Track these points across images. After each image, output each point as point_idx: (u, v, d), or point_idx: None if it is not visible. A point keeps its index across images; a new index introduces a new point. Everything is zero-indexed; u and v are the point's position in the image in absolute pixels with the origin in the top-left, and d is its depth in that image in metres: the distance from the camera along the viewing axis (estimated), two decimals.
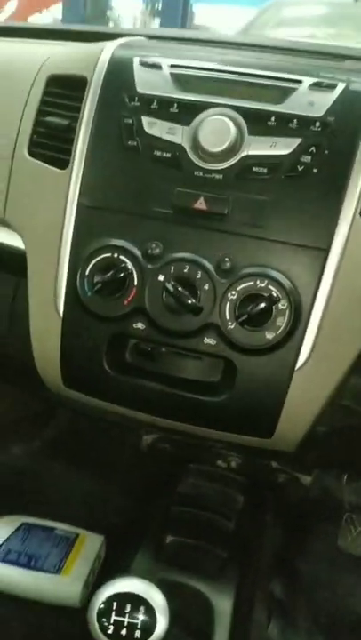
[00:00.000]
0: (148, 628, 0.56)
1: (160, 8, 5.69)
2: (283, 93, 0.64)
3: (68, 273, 0.68)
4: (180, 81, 0.67)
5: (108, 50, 0.71)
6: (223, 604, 0.82)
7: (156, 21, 6.11)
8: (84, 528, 1.16)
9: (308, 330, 0.63)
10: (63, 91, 0.72)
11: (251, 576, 0.93)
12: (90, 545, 1.13)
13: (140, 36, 0.83)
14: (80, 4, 4.31)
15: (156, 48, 0.73)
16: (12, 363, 0.80)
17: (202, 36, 0.84)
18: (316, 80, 0.64)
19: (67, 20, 4.91)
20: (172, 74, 0.67)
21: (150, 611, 0.58)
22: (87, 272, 0.66)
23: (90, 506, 1.26)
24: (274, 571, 1.07)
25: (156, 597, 0.58)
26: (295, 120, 0.63)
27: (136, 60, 0.69)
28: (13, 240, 0.74)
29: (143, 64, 0.68)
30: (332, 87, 0.64)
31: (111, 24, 6.18)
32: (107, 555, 1.13)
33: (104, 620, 0.57)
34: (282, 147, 0.63)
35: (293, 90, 0.64)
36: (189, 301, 0.63)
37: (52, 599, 1.04)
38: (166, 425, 0.70)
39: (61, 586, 1.05)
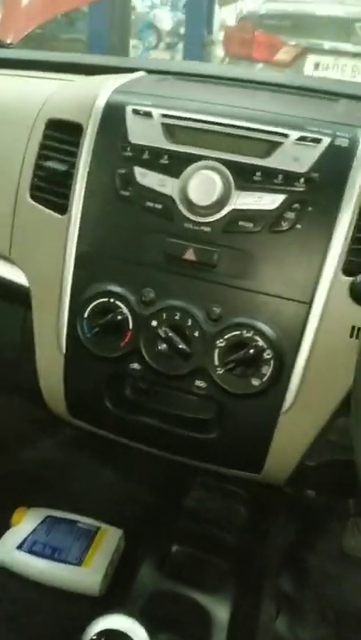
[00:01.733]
0: None
1: None
2: (269, 147, 0.66)
3: (69, 314, 0.73)
4: (171, 131, 0.69)
5: (103, 96, 0.73)
6: (221, 615, 0.88)
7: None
8: (105, 519, 1.23)
9: (292, 378, 0.66)
10: (61, 135, 0.75)
11: (254, 580, 0.98)
12: (109, 538, 1.19)
13: (141, 69, 0.85)
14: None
15: (149, 94, 0.74)
16: (23, 389, 0.85)
17: (199, 71, 0.85)
18: (301, 134, 0.65)
19: (93, 8, 4.79)
20: (162, 124, 0.69)
21: None
22: (86, 315, 0.71)
23: (111, 498, 1.32)
24: (283, 566, 1.13)
25: (140, 634, 0.63)
26: (280, 176, 0.64)
27: (129, 109, 0.71)
28: (19, 277, 0.79)
29: (136, 112, 0.70)
30: (317, 141, 0.64)
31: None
32: (125, 546, 1.20)
33: None
34: (267, 202, 0.65)
35: (279, 144, 0.65)
36: (180, 347, 0.67)
37: (74, 588, 1.12)
38: (163, 456, 0.75)
39: (82, 577, 1.12)
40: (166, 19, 7.99)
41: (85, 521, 1.23)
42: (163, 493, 1.21)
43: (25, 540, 1.19)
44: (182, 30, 6.50)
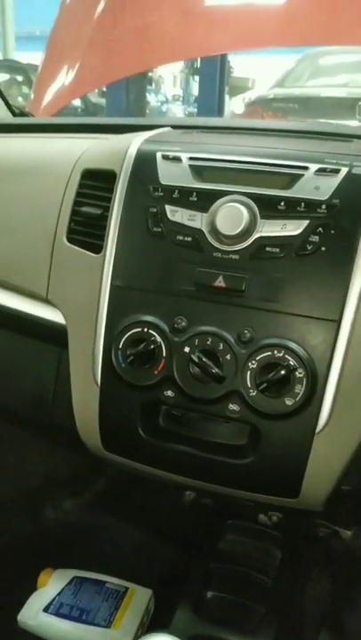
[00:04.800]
0: None
1: (199, 66, 5.93)
2: (291, 180, 0.70)
3: (104, 346, 0.75)
4: (198, 172, 0.74)
5: (134, 145, 0.79)
6: None
7: (196, 79, 6.42)
8: (133, 579, 1.20)
9: (325, 396, 0.67)
10: (96, 183, 0.80)
11: (292, 629, 0.94)
12: (139, 599, 1.15)
13: (167, 126, 0.91)
14: (122, 87, 4.50)
15: (177, 142, 0.80)
16: (57, 427, 0.86)
17: (221, 124, 0.92)
18: (320, 166, 0.69)
19: (110, 103, 5.16)
20: (190, 166, 0.74)
21: None
22: (120, 345, 0.73)
23: (139, 558, 1.28)
24: (320, 624, 1.07)
25: None
26: (303, 204, 0.68)
27: (159, 155, 0.76)
28: (55, 316, 0.82)
29: (165, 157, 0.76)
30: (335, 172, 0.69)
31: (153, 86, 6.50)
32: (156, 607, 1.15)
33: None
34: (292, 228, 0.68)
35: (300, 176, 0.70)
36: (213, 371, 0.68)
37: None
38: (197, 486, 0.75)
39: (112, 639, 1.09)
40: (179, 112, 8.53)
41: (114, 581, 1.20)
42: (193, 544, 1.18)
43: (51, 602, 1.16)
44: None
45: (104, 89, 6.12)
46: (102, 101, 6.27)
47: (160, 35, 1.38)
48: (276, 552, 1.03)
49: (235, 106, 7.46)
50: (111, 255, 0.76)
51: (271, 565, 1.01)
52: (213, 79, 5.54)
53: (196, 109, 7.08)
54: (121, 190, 0.76)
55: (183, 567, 1.15)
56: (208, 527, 1.11)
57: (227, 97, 6.80)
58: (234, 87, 7.38)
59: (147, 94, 6.86)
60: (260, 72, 6.96)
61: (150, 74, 6.65)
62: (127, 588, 1.18)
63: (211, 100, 5.61)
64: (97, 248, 0.78)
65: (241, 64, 7.49)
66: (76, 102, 6.02)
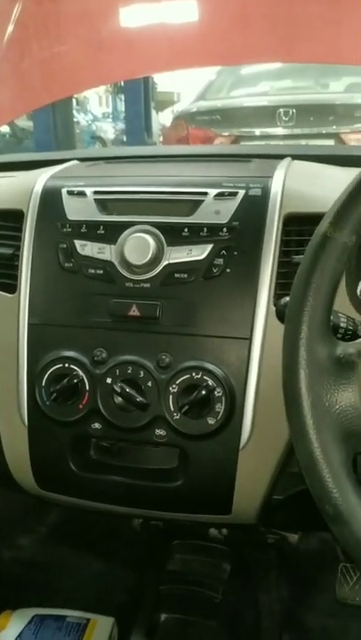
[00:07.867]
0: None
1: (123, 84, 5.99)
2: (192, 206, 0.72)
3: (28, 385, 0.75)
4: (104, 205, 0.75)
5: (39, 182, 0.80)
6: None
7: (122, 97, 6.47)
8: (95, 609, 1.19)
9: (245, 411, 0.69)
10: (5, 223, 0.81)
11: (248, 637, 0.95)
12: (101, 629, 1.14)
13: (74, 159, 0.93)
14: (48, 109, 4.47)
15: (82, 176, 0.81)
16: None
17: (125, 153, 0.94)
18: (219, 190, 0.72)
19: (37, 126, 5.15)
20: (95, 199, 0.76)
21: None
22: (43, 383, 0.73)
23: (98, 587, 1.28)
24: (282, 628, 1.09)
25: None
26: (205, 228, 0.71)
27: (64, 191, 0.77)
28: None
29: (70, 193, 0.77)
30: (233, 195, 0.72)
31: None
32: (120, 633, 1.15)
33: None
34: (197, 253, 0.71)
35: (201, 202, 0.72)
36: (137, 399, 0.70)
37: None
38: (134, 513, 0.76)
39: None
40: (109, 129, 8.56)
41: (74, 614, 1.18)
42: (146, 566, 1.18)
43: None
44: (125, 138, 6.96)
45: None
46: (30, 124, 6.24)
47: (70, 64, 1.39)
48: (224, 565, 1.04)
49: (164, 119, 7.55)
50: (26, 294, 0.76)
51: (220, 579, 1.02)
52: (138, 96, 5.61)
53: (125, 125, 7.13)
54: (30, 229, 0.77)
55: (140, 591, 1.15)
56: (158, 549, 1.12)
57: (155, 112, 6.89)
58: (160, 102, 7.48)
59: (75, 114, 6.87)
60: (184, 84, 7.10)
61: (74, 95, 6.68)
62: (89, 620, 1.17)
63: (138, 116, 5.68)
64: (12, 288, 0.78)
65: (165, 78, 7.62)
66: (4, 128, 5.97)
